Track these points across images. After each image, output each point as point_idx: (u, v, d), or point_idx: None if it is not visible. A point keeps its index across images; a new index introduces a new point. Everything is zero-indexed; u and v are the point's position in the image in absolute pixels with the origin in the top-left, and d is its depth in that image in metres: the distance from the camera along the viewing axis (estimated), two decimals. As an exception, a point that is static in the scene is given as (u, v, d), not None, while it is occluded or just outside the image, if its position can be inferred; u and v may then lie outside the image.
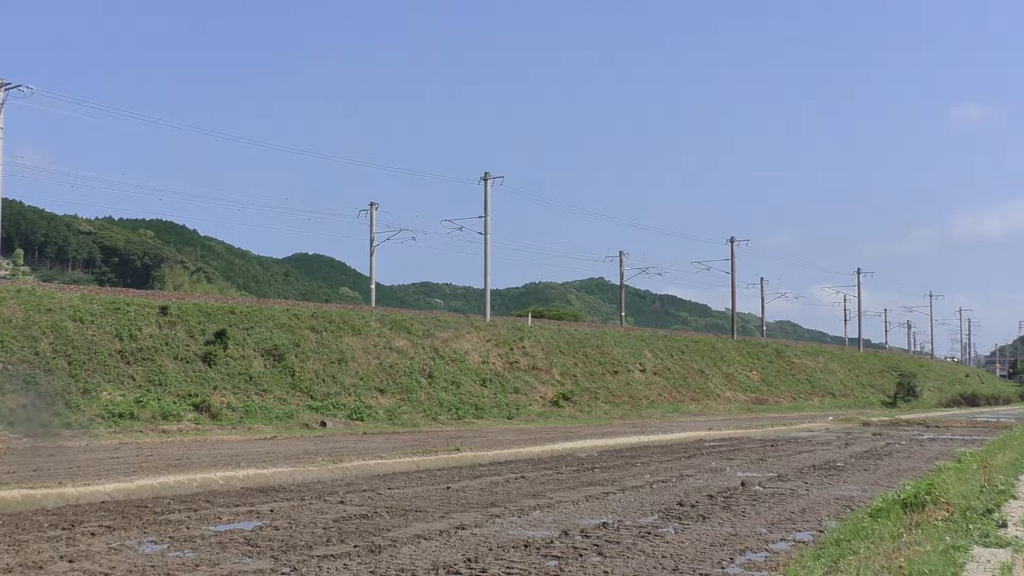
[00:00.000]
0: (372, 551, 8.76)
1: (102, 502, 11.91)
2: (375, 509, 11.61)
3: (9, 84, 33.32)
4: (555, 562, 8.39)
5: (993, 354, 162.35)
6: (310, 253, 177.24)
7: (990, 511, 9.25)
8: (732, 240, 72.76)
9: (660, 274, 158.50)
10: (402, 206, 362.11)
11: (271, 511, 11.39)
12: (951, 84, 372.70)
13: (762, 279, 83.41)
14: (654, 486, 14.72)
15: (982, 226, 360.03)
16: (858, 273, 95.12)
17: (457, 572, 7.91)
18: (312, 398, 32.64)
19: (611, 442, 24.23)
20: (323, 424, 30.02)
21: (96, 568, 7.90)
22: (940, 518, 8.82)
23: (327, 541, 9.29)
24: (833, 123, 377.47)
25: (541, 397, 42.51)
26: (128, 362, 29.23)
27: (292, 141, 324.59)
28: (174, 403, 27.95)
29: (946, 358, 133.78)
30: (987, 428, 37.24)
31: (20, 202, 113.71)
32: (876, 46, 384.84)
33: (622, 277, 73.16)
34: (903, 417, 45.35)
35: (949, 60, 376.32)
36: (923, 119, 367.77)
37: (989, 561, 6.83)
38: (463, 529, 10.10)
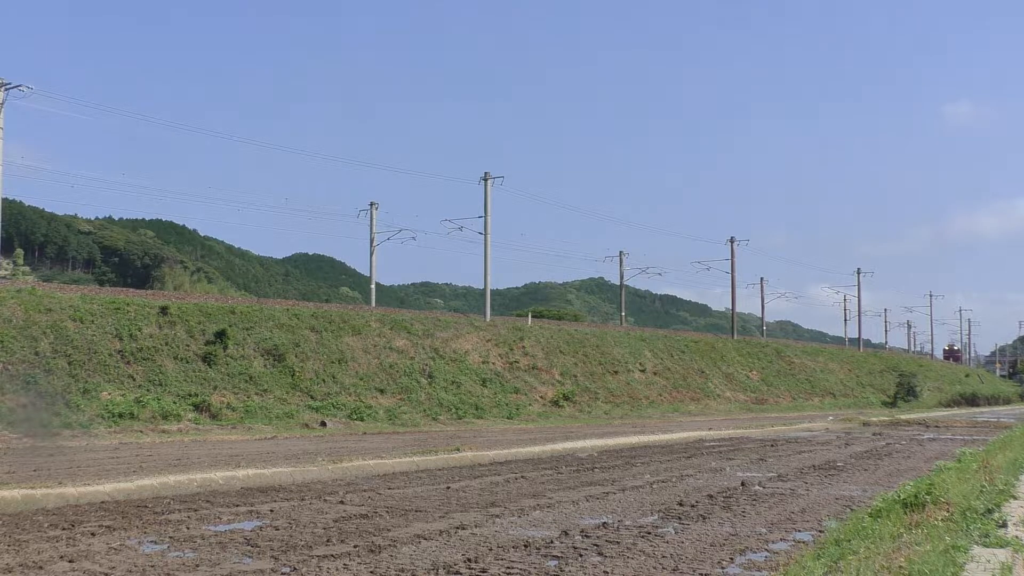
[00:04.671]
0: (372, 551, 8.76)
1: (102, 502, 11.90)
2: (375, 509, 11.60)
3: (9, 84, 33.32)
4: (555, 562, 8.39)
5: (993, 354, 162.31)
6: (310, 253, 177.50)
7: (990, 511, 9.25)
8: (732, 240, 72.83)
9: (660, 274, 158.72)
10: (402, 206, 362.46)
11: (271, 511, 11.39)
12: (943, 82, 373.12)
13: (762, 279, 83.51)
14: (654, 486, 14.72)
15: (978, 225, 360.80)
16: (858, 273, 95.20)
17: (457, 572, 7.91)
18: (312, 398, 32.64)
19: (611, 442, 24.22)
20: (323, 424, 30.01)
21: (96, 568, 7.90)
22: (940, 518, 8.82)
23: (327, 541, 9.29)
24: (829, 122, 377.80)
25: (541, 397, 42.50)
26: (128, 362, 29.23)
27: (292, 141, 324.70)
28: (174, 403, 27.95)
29: (946, 349, 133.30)
30: (987, 428, 37.23)
31: (20, 202, 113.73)
32: (871, 45, 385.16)
33: (622, 277, 73.20)
34: (903, 417, 45.34)
35: (941, 58, 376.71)
36: (916, 117, 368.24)
37: (989, 561, 6.83)
38: (463, 529, 10.09)
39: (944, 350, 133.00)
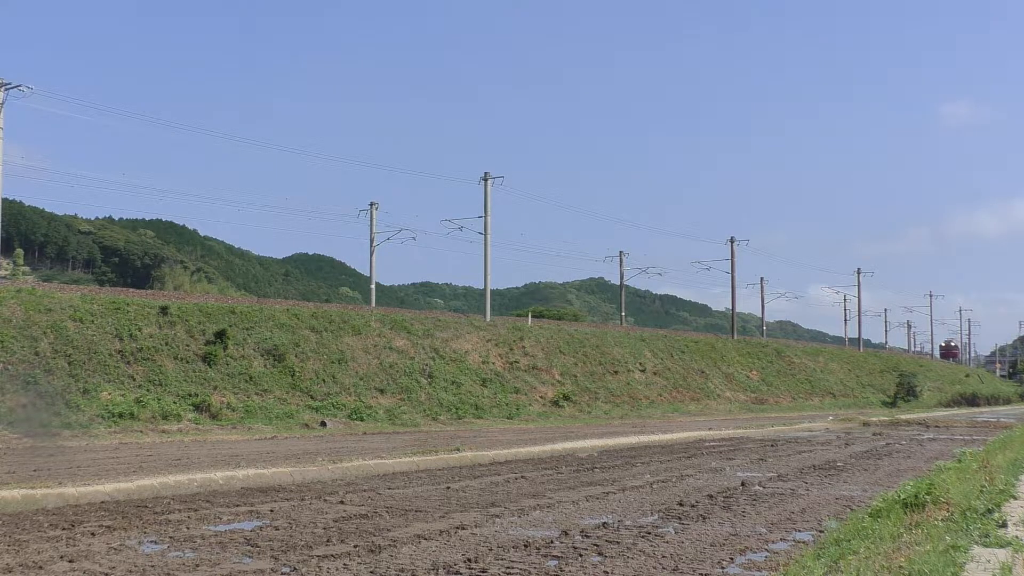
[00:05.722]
0: (372, 551, 8.76)
1: (102, 502, 11.91)
2: (375, 509, 11.60)
3: (9, 84, 33.32)
4: (555, 562, 8.39)
5: (993, 354, 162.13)
6: (310, 253, 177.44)
7: (990, 511, 9.25)
8: (732, 240, 72.82)
9: (660, 274, 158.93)
10: (402, 206, 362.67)
11: (271, 511, 11.39)
12: (942, 81, 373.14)
13: (762, 279, 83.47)
14: (654, 486, 14.72)
15: (977, 225, 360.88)
16: (858, 273, 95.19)
17: (457, 572, 7.91)
18: (312, 398, 32.64)
19: (611, 442, 24.22)
20: (323, 424, 30.02)
21: (96, 568, 7.90)
22: (940, 518, 8.82)
23: (327, 541, 9.29)
24: (828, 122, 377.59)
25: (541, 397, 42.50)
26: (128, 362, 29.23)
27: (292, 141, 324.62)
28: (174, 403, 27.95)
29: (942, 346, 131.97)
30: (987, 428, 37.24)
31: (20, 202, 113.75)
32: (870, 45, 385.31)
33: (622, 277, 73.19)
34: (903, 417, 45.35)
35: (940, 57, 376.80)
36: (915, 117, 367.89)
37: (989, 561, 6.83)
38: (463, 529, 10.10)
39: (940, 346, 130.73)
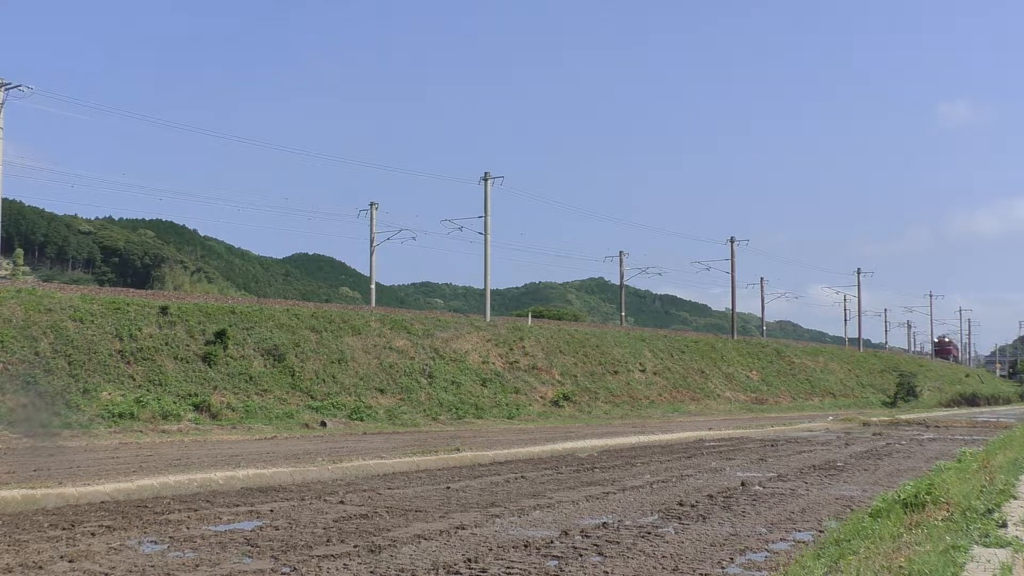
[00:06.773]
0: (372, 551, 8.76)
1: (102, 502, 11.90)
2: (375, 509, 11.60)
3: (9, 84, 33.32)
4: (555, 562, 8.39)
5: (993, 354, 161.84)
6: (310, 253, 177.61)
7: (990, 511, 9.24)
8: (732, 240, 72.78)
9: (660, 274, 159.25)
10: (402, 206, 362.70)
11: (271, 511, 11.39)
12: (941, 81, 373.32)
13: (762, 279, 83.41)
14: (654, 486, 14.72)
15: (977, 225, 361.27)
16: (858, 273, 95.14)
17: (457, 572, 7.91)
18: (312, 398, 32.63)
19: (611, 442, 24.22)
20: (323, 424, 30.01)
21: (96, 568, 7.90)
22: (940, 518, 8.82)
23: (327, 541, 9.29)
24: (829, 122, 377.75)
25: (541, 397, 42.49)
26: (128, 362, 29.22)
27: (292, 141, 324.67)
28: (174, 403, 27.94)
29: (936, 342, 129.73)
30: (987, 428, 37.23)
31: (20, 202, 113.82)
32: (867, 45, 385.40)
33: (622, 277, 73.17)
34: (903, 417, 45.33)
35: (938, 57, 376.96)
36: (912, 117, 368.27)
37: (989, 561, 6.82)
38: (463, 529, 10.09)
39: (934, 343, 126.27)
